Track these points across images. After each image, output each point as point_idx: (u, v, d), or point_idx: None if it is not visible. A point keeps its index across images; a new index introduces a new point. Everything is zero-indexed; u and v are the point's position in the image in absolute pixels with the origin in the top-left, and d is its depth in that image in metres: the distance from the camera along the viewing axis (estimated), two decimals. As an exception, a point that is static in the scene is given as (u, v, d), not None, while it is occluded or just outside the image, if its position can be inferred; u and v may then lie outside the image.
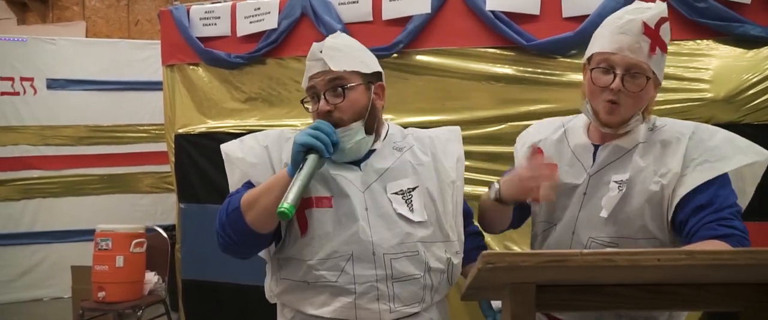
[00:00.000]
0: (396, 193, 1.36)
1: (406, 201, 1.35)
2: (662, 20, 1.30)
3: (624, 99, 1.28)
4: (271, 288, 1.44)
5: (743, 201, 1.33)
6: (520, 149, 1.54)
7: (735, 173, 1.30)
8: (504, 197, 1.36)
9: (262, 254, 1.45)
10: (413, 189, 1.37)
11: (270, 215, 1.26)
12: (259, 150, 1.40)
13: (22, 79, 4.91)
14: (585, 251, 0.79)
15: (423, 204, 1.36)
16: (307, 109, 1.40)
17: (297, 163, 1.27)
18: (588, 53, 1.37)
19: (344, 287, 1.30)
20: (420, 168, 1.39)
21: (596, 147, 1.39)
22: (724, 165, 1.26)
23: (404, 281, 1.32)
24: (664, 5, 1.33)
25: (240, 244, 1.34)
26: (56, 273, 4.82)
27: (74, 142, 5.04)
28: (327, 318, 1.33)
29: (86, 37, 6.77)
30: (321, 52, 1.36)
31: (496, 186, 1.38)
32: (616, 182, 1.31)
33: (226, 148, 1.45)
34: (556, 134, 1.47)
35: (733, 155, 1.28)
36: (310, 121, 1.40)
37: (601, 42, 1.32)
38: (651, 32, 1.28)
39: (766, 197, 2.48)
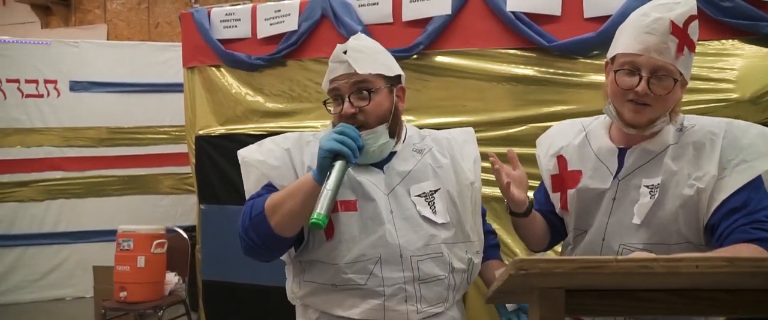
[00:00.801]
0: (419, 196, 1.37)
1: (428, 204, 1.37)
2: (691, 18, 1.23)
3: (650, 101, 1.24)
4: (293, 291, 1.45)
5: None
6: (542, 156, 1.51)
7: None
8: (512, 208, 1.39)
9: (282, 257, 1.45)
10: (435, 191, 1.38)
11: (294, 219, 1.27)
12: (280, 152, 1.41)
13: (46, 81, 4.99)
14: (620, 257, 0.78)
15: (445, 207, 1.37)
16: (329, 110, 1.40)
17: (324, 170, 1.26)
18: (611, 52, 1.32)
19: (373, 289, 1.32)
20: (440, 170, 1.40)
21: (621, 150, 1.35)
22: (762, 163, 1.21)
23: (430, 282, 1.34)
24: (694, 1, 1.26)
25: (263, 248, 1.34)
26: (78, 273, 4.88)
27: (96, 144, 5.11)
28: None
29: (107, 39, 6.86)
30: (345, 53, 1.36)
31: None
32: (647, 187, 1.28)
33: (243, 152, 1.46)
34: (578, 139, 1.44)
35: None
36: (330, 122, 1.40)
37: (625, 42, 1.26)
38: (679, 32, 1.21)
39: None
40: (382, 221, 1.33)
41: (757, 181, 1.23)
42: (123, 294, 3.48)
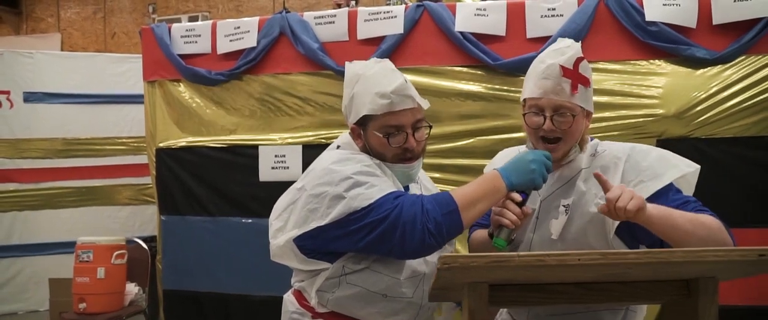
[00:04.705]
0: None
1: None
2: (579, 60, 1.42)
3: (559, 134, 1.41)
4: (321, 289, 1.43)
5: None
6: None
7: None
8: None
9: (296, 265, 1.45)
10: None
11: (479, 217, 1.36)
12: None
13: (-2, 91, 4.93)
14: (522, 253, 0.94)
15: None
16: (387, 138, 1.43)
17: (535, 185, 1.36)
18: (522, 96, 1.50)
19: (416, 302, 1.45)
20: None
21: None
22: (657, 183, 1.39)
23: None
24: (578, 46, 1.44)
25: (443, 243, 1.34)
26: (32, 287, 4.81)
27: (52, 155, 5.05)
28: None
29: (61, 49, 6.77)
30: (406, 86, 1.44)
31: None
32: (564, 206, 1.45)
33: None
34: None
35: (664, 172, 1.41)
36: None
37: (529, 87, 1.45)
38: (570, 73, 1.39)
39: (765, 203, 2.66)
40: None
41: (669, 188, 1.40)
42: (82, 305, 3.48)
